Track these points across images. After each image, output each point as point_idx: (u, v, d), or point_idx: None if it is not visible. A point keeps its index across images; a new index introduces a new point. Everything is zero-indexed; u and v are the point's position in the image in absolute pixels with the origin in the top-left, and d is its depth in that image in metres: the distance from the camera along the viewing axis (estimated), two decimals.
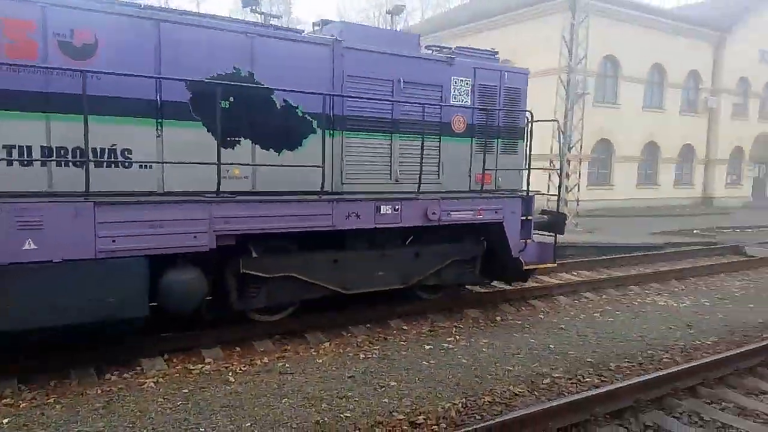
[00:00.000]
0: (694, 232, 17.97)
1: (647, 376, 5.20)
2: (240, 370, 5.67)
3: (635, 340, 7.02)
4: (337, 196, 6.53)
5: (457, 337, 6.93)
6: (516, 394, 5.24)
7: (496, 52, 8.44)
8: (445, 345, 6.60)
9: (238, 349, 6.28)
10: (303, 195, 6.29)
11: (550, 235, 8.38)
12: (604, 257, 12.42)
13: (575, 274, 11.02)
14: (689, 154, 29.29)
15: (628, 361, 6.26)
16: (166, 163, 5.63)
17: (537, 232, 8.42)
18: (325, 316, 7.17)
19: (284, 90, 6.20)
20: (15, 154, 4.99)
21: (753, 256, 13.27)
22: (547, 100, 18.91)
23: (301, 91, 6.23)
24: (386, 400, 5.02)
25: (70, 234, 4.93)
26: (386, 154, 7.15)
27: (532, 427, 4.30)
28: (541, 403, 4.67)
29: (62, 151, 5.19)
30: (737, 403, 5.17)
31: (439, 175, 7.55)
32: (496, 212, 7.71)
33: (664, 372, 5.33)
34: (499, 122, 8.08)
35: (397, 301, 7.80)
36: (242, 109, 6.04)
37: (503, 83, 8.04)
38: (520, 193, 8.10)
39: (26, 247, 4.75)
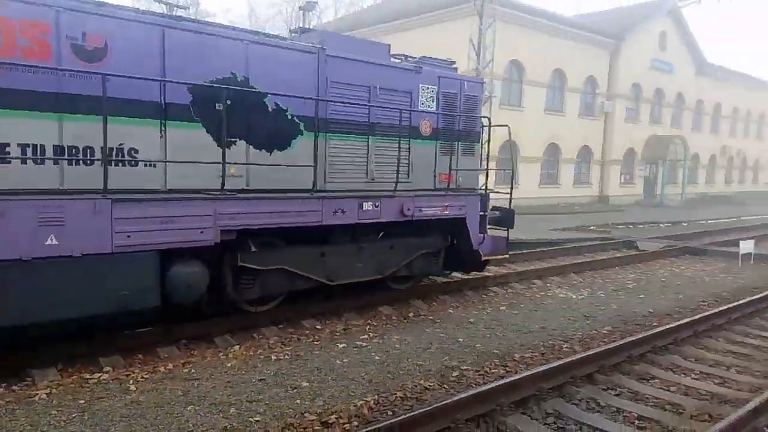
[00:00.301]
0: (591, 228, 19.10)
1: (548, 366, 5.45)
2: (141, 377, 5.39)
3: (537, 331, 7.35)
4: (325, 194, 7.02)
5: (371, 334, 6.97)
6: (427, 388, 5.34)
7: (454, 62, 9.15)
8: (359, 343, 6.61)
9: (140, 355, 5.97)
10: (294, 193, 6.74)
11: (503, 229, 9.22)
12: (510, 253, 12.92)
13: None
14: (587, 155, 31.14)
15: (531, 352, 6.55)
16: (170, 162, 5.91)
17: (490, 226, 9.17)
18: (229, 319, 6.95)
19: (276, 94, 6.60)
20: (29, 152, 5.14)
21: (644, 250, 14.31)
22: None
23: (292, 96, 6.66)
24: (298, 401, 4.96)
25: (88, 229, 5.18)
26: (363, 155, 7.68)
27: (442, 419, 4.39)
28: (449, 396, 4.78)
29: (74, 150, 5.37)
30: (630, 388, 5.53)
31: (408, 174, 8.08)
32: (460, 209, 8.49)
33: (564, 361, 5.61)
34: (459, 127, 8.73)
35: (310, 301, 7.73)
36: (238, 111, 6.36)
37: (463, 91, 8.74)
38: (478, 192, 8.92)
39: (48, 242, 4.97)
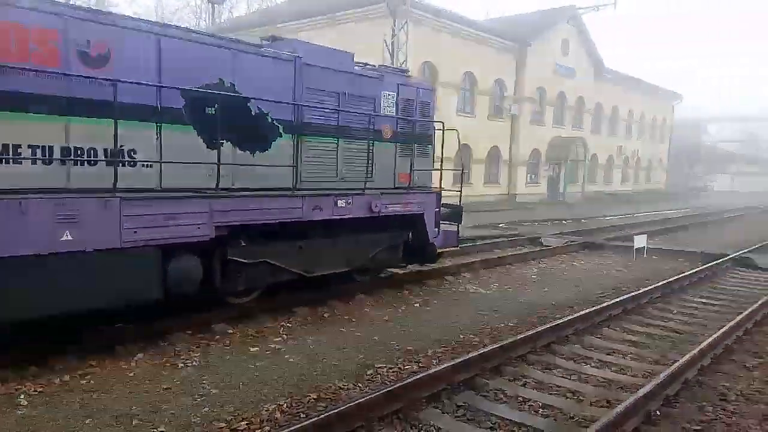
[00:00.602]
0: (500, 225, 19.84)
1: (459, 359, 5.59)
2: (35, 391, 5.00)
3: (450, 327, 7.53)
4: (305, 192, 7.58)
5: (285, 336, 6.86)
6: (341, 388, 5.32)
7: (407, 70, 10.09)
8: (272, 345, 6.48)
9: (33, 368, 5.52)
10: (274, 191, 7.27)
11: (452, 224, 10.17)
12: None
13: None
14: (496, 155, 32.32)
15: (443, 347, 6.69)
16: (165, 162, 6.27)
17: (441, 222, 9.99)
18: (132, 327, 6.58)
19: (258, 99, 7.06)
20: (38, 153, 5.43)
21: (548, 246, 15.04)
22: None
23: (273, 101, 7.19)
24: (206, 409, 4.78)
25: (99, 226, 5.50)
26: (334, 156, 8.24)
27: (355, 419, 4.39)
28: (363, 395, 4.78)
29: (78, 151, 5.69)
30: (535, 378, 5.78)
31: (372, 174, 8.58)
32: (418, 206, 9.31)
33: (474, 354, 5.77)
34: (416, 130, 9.53)
35: (222, 306, 7.49)
36: (226, 115, 6.65)
37: (418, 97, 9.55)
38: (433, 190, 9.71)
39: (64, 238, 5.24)
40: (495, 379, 5.67)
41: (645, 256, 13.76)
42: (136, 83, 5.79)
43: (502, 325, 7.74)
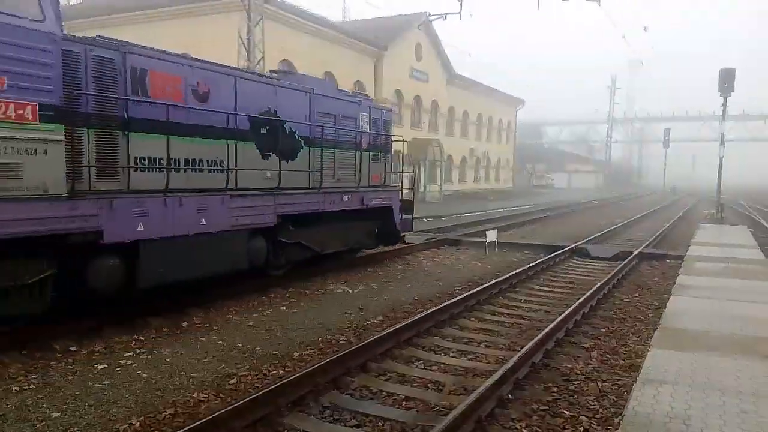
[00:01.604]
0: None
1: (324, 361, 5.58)
2: None
3: (316, 328, 7.50)
4: (323, 189, 10.31)
5: (138, 350, 6.38)
6: (201, 401, 5.06)
7: (368, 95, 13.36)
8: (123, 362, 5.99)
9: None
10: (307, 189, 10.02)
11: (407, 214, 13.15)
12: None
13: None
14: None
15: (310, 349, 6.65)
16: (240, 169, 8.56)
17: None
18: None
19: (290, 121, 9.59)
20: (181, 164, 7.69)
21: (410, 243, 15.53)
22: None
23: (297, 122, 9.78)
24: None
25: (219, 215, 7.92)
26: (332, 163, 10.84)
27: (217, 431, 4.19)
28: (225, 406, 4.58)
29: (189, 162, 7.80)
30: (398, 372, 5.94)
31: (356, 175, 11.44)
32: (390, 199, 12.39)
33: (339, 354, 5.79)
34: (380, 142, 12.47)
35: (66, 319, 6.79)
36: (272, 134, 9.24)
37: (382, 117, 12.57)
38: (396, 188, 12.93)
39: (202, 222, 7.64)
40: (360, 376, 5.74)
41: (496, 250, 14.76)
42: (228, 113, 8.30)
43: (368, 322, 7.86)
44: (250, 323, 7.62)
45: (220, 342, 6.77)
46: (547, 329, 6.93)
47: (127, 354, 6.24)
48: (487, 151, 50.70)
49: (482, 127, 49.45)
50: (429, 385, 5.64)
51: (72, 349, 6.36)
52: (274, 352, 6.45)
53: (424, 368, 6.12)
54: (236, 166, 8.43)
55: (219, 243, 7.95)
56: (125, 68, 6.88)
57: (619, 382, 5.77)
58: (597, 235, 18.16)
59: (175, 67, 7.55)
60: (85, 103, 6.46)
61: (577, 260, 13.89)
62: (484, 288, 9.47)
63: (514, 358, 5.80)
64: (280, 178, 9.14)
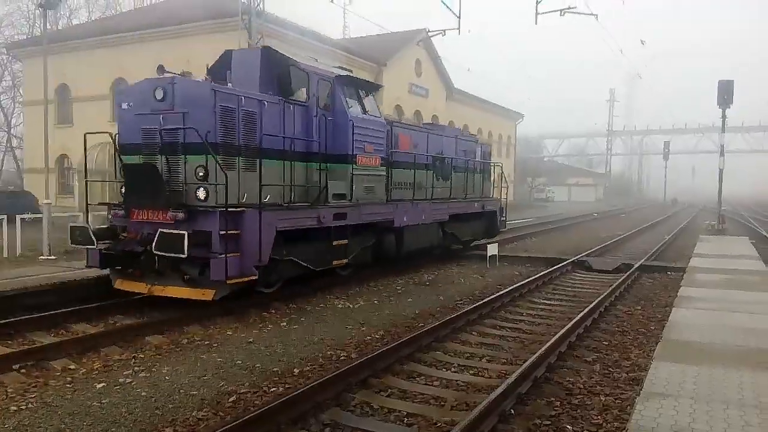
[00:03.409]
0: None
1: (325, 377, 5.54)
2: None
3: (317, 343, 7.45)
4: (467, 199, 15.58)
5: (137, 368, 6.34)
6: (200, 419, 5.02)
7: (474, 136, 19.02)
8: (122, 380, 5.95)
9: None
10: (458, 199, 15.31)
11: (501, 217, 18.23)
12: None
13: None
14: None
15: (311, 365, 6.60)
16: (431, 187, 14.25)
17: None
18: None
19: (448, 156, 14.97)
20: (401, 185, 13.00)
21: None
22: None
23: (452, 157, 15.16)
24: None
25: (426, 213, 13.23)
26: (468, 182, 15.93)
27: None
28: (223, 424, 4.54)
29: (411, 184, 13.26)
30: (400, 388, 5.89)
31: (477, 190, 17.00)
32: (495, 206, 17.69)
33: (340, 370, 5.76)
34: (486, 168, 17.87)
35: (63, 336, 6.77)
36: (441, 165, 14.63)
37: (485, 150, 17.93)
38: (498, 199, 18.07)
39: (423, 217, 13.03)
40: (361, 392, 5.69)
41: (498, 263, 14.72)
42: (426, 154, 13.60)
43: (369, 337, 7.81)
44: (250, 340, 7.58)
45: (220, 359, 6.73)
46: (549, 343, 6.89)
47: (126, 372, 6.20)
48: None
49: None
50: (431, 400, 5.59)
51: (71, 367, 6.34)
52: (274, 369, 6.41)
53: (426, 383, 6.07)
54: (432, 186, 13.81)
55: (426, 229, 13.44)
56: (393, 134, 12.28)
57: (622, 396, 5.71)
58: (598, 247, 18.11)
59: (407, 131, 13.20)
60: (389, 155, 12.05)
61: (578, 273, 13.85)
62: (485, 302, 9.43)
63: (517, 373, 5.76)
64: (451, 192, 14.73)
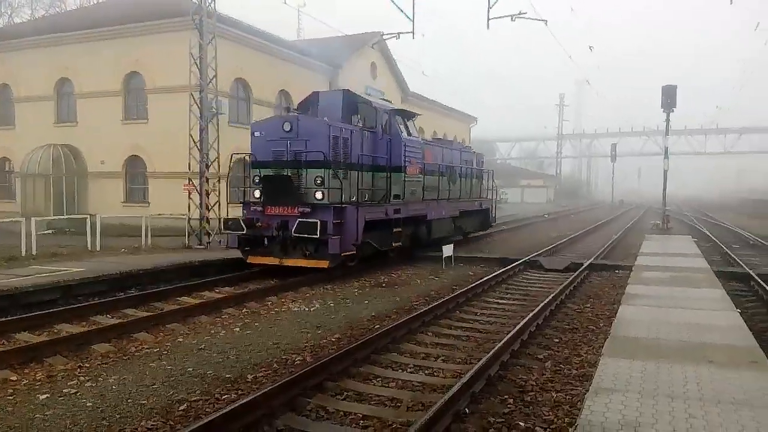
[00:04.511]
0: None
1: (279, 382, 5.45)
2: None
3: (271, 348, 7.34)
4: (470, 198, 20.07)
5: (82, 378, 6.11)
6: (149, 429, 4.86)
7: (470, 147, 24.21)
8: (67, 390, 5.73)
9: None
10: (463, 199, 19.40)
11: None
12: (248, 271, 12.78)
13: (217, 291, 11.07)
14: None
15: (264, 370, 6.50)
16: (446, 189, 18.00)
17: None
18: None
19: (459, 166, 19.47)
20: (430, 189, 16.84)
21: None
22: (180, 118, 18.62)
23: (458, 166, 19.49)
24: None
25: (445, 209, 17.31)
26: (469, 185, 20.24)
27: None
28: None
29: (434, 187, 17.05)
30: (356, 390, 5.86)
31: (476, 191, 21.23)
32: (489, 204, 22.23)
33: (295, 374, 5.68)
34: (481, 173, 22.35)
35: (3, 347, 6.46)
36: (451, 173, 18.39)
37: (480, 159, 22.32)
38: (490, 198, 22.61)
39: (443, 212, 17.06)
40: (317, 396, 5.63)
41: (453, 264, 14.87)
42: (441, 164, 17.43)
43: (324, 341, 7.75)
44: (202, 346, 7.40)
45: (170, 367, 6.54)
46: (503, 342, 6.99)
47: (71, 383, 5.96)
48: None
49: None
50: (386, 402, 5.58)
51: (12, 378, 6.06)
52: (227, 376, 6.27)
53: (382, 385, 6.06)
54: (447, 189, 17.47)
55: (445, 221, 17.27)
56: (423, 149, 15.61)
57: (572, 392, 5.84)
58: (550, 247, 18.54)
59: (431, 147, 16.94)
60: (423, 165, 15.75)
61: (531, 272, 14.12)
62: (440, 303, 9.49)
63: (471, 372, 5.81)
64: (460, 194, 18.76)
